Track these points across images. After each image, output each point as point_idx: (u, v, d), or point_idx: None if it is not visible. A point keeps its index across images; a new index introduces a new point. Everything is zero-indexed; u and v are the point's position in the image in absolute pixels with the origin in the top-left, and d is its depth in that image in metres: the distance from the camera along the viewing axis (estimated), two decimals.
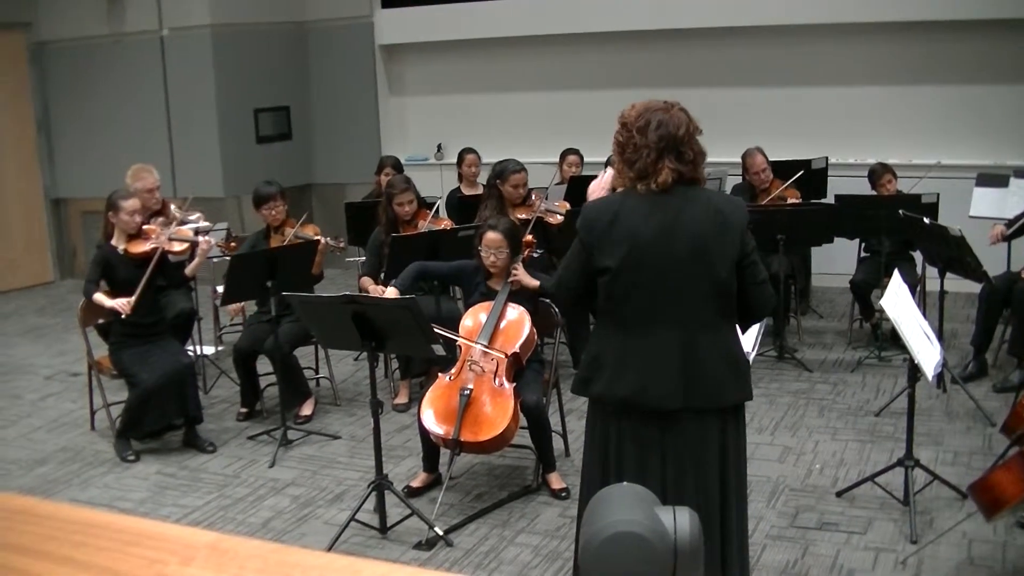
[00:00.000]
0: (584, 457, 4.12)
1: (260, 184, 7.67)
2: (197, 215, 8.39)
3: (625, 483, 2.32)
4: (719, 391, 3.79)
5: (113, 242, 6.95)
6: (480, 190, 9.01)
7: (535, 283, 6.20)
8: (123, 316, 6.73)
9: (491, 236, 6.19)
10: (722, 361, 3.79)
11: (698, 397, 3.75)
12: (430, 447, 6.06)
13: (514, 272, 6.18)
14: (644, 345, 3.77)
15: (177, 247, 7.11)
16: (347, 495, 6.18)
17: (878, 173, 8.50)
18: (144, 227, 7.02)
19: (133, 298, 6.75)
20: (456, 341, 6.04)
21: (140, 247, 6.91)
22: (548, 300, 6.30)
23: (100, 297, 6.86)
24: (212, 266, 7.85)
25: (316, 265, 7.44)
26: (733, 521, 3.89)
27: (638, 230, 3.71)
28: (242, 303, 7.66)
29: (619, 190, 3.89)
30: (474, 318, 6.15)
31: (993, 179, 8.37)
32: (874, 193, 8.47)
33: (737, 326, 3.94)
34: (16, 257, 12.53)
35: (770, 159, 9.05)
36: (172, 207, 8.30)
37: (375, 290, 7.27)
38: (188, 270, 7.33)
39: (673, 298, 3.73)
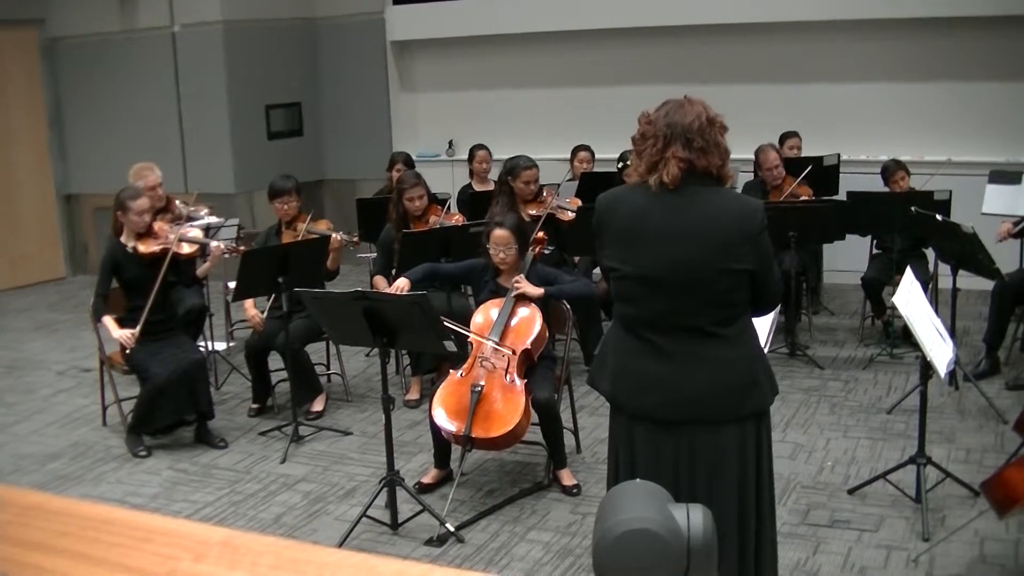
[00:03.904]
0: (608, 451, 4.06)
1: (277, 177, 7.69)
2: (204, 211, 8.39)
3: (639, 480, 2.32)
4: (726, 402, 3.65)
5: (122, 239, 6.96)
6: (491, 186, 9.00)
7: (538, 292, 6.17)
8: (128, 351, 6.77)
9: (499, 233, 6.19)
10: (728, 371, 3.64)
11: (702, 408, 3.65)
12: (441, 443, 6.06)
13: (516, 286, 6.15)
14: (644, 350, 3.69)
15: (186, 249, 7.10)
16: (358, 491, 6.18)
17: (891, 170, 8.48)
18: (153, 226, 7.02)
19: (137, 330, 6.77)
20: (468, 337, 6.05)
21: (149, 247, 6.91)
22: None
23: (108, 323, 6.91)
24: (224, 262, 7.85)
25: (332, 261, 7.45)
26: (751, 527, 3.76)
27: (641, 232, 3.64)
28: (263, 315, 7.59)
29: (630, 182, 3.83)
30: (485, 315, 6.15)
31: (1006, 176, 8.33)
32: (886, 190, 8.45)
33: (750, 326, 3.77)
34: (28, 253, 12.56)
35: (782, 156, 9.04)
36: (177, 203, 8.31)
37: (393, 289, 7.28)
38: (199, 272, 7.37)
39: (676, 305, 3.61)
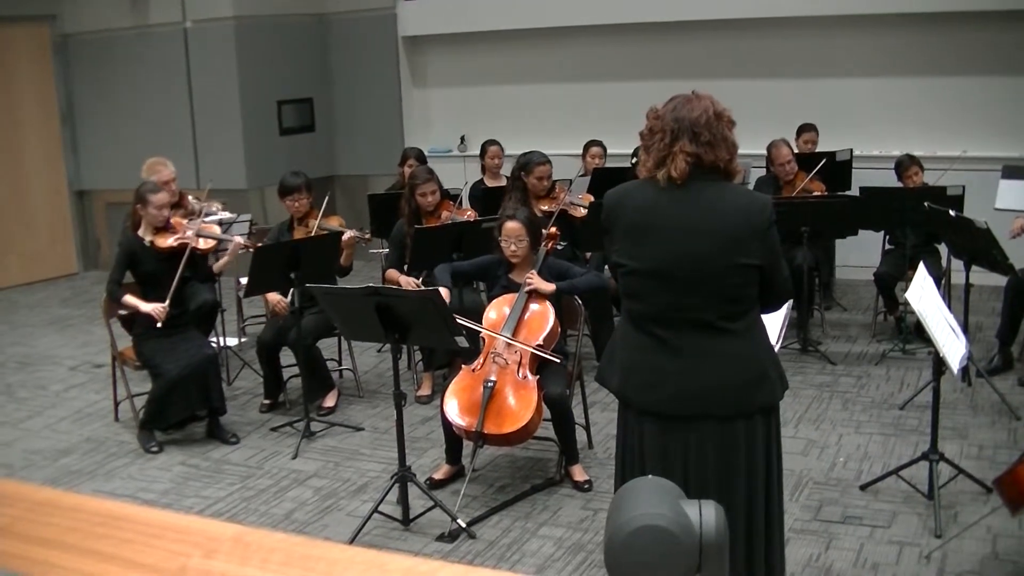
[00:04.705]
0: (616, 447, 4.06)
1: (287, 174, 7.69)
2: (217, 206, 8.40)
3: (650, 476, 2.31)
4: (735, 396, 3.64)
5: (140, 233, 6.97)
6: (503, 182, 9.01)
7: (550, 287, 6.16)
8: (158, 324, 6.77)
9: (510, 225, 6.20)
10: (737, 366, 3.64)
11: (711, 403, 3.64)
12: (453, 439, 6.06)
13: (528, 281, 6.15)
14: (653, 346, 3.68)
15: (204, 244, 7.12)
16: (370, 487, 6.18)
17: (904, 165, 8.45)
18: (171, 220, 7.04)
19: (167, 303, 6.78)
20: (480, 333, 6.05)
21: (166, 241, 6.93)
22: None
23: (132, 300, 6.88)
24: (237, 258, 7.87)
25: (346, 258, 7.45)
26: (760, 523, 3.77)
27: (649, 227, 3.64)
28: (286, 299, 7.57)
29: (640, 178, 3.83)
30: (498, 310, 6.15)
31: (1019, 171, 8.29)
32: (899, 185, 8.43)
33: (759, 321, 3.76)
34: (41, 249, 12.59)
35: (796, 149, 9.03)
36: (190, 198, 8.32)
37: (406, 282, 7.30)
38: (216, 267, 7.39)
39: (684, 300, 3.61)
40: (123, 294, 6.92)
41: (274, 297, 7.42)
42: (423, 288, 6.71)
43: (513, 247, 6.19)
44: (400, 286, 7.38)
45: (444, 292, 6.11)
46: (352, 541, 5.34)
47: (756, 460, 3.72)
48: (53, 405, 7.95)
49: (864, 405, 7.15)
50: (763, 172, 9.39)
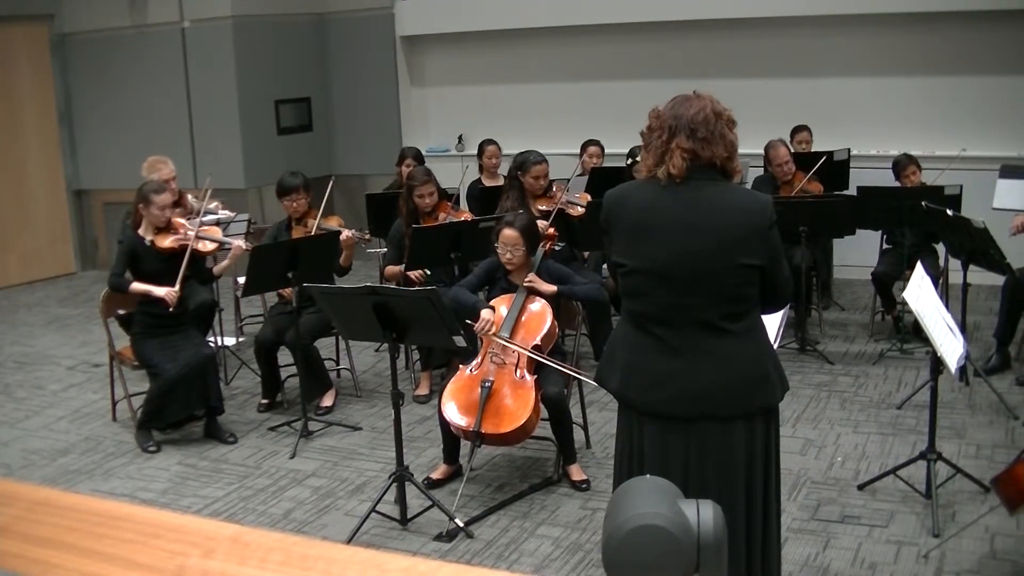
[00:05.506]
0: (615, 447, 4.05)
1: (285, 174, 7.67)
2: (216, 204, 8.39)
3: (649, 476, 2.31)
4: (736, 397, 3.63)
5: (140, 232, 6.96)
6: (501, 181, 9.00)
7: (551, 289, 6.16)
8: (171, 309, 6.77)
9: (508, 233, 6.16)
10: (738, 366, 3.62)
11: (712, 404, 3.62)
12: (451, 439, 6.06)
13: (528, 282, 6.15)
14: (653, 346, 3.67)
15: (203, 247, 7.11)
16: (368, 486, 6.18)
17: (902, 164, 8.45)
18: (172, 221, 7.03)
19: (176, 288, 6.78)
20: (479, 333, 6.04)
21: (165, 241, 6.92)
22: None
23: (142, 286, 6.86)
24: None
25: (346, 258, 7.44)
26: (758, 524, 3.76)
27: (649, 226, 3.63)
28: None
29: (640, 178, 3.83)
30: (496, 311, 6.14)
31: (1017, 170, 8.29)
32: (897, 184, 8.43)
33: (760, 322, 3.75)
34: (39, 248, 12.59)
35: (792, 151, 9.04)
36: (189, 197, 8.31)
37: (411, 275, 7.31)
38: (216, 270, 7.40)
39: (684, 300, 3.59)
40: (128, 283, 6.91)
41: None
42: (424, 287, 6.70)
43: (509, 255, 6.16)
44: (406, 277, 7.40)
45: (488, 312, 6.07)
46: (350, 541, 5.34)
47: (756, 461, 3.71)
48: (51, 405, 7.95)
49: (862, 404, 7.15)
50: (761, 172, 9.40)
